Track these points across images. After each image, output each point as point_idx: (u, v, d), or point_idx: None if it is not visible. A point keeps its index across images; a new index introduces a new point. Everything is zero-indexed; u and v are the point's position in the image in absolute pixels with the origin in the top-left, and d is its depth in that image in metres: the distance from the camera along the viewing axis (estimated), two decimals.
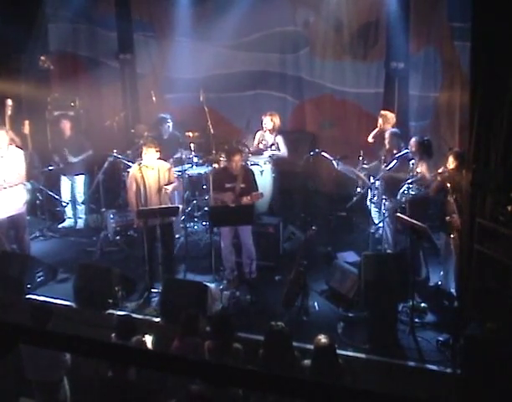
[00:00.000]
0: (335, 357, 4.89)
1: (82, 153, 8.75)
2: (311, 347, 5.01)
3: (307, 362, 4.90)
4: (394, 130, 7.61)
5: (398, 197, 6.96)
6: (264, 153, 8.45)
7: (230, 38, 9.46)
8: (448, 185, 6.29)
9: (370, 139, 8.10)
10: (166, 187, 6.96)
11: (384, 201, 7.31)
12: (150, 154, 6.92)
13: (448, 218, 6.25)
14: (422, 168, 6.82)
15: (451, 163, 6.32)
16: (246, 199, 6.80)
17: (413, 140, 7.12)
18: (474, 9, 5.23)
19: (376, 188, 7.57)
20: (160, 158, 7.08)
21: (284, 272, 6.98)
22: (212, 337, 5.23)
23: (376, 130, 8.09)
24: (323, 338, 4.84)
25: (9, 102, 8.21)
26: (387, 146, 7.51)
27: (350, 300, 6.39)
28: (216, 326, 5.25)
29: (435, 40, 8.60)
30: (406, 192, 6.78)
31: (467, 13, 5.90)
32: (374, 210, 7.93)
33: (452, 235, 6.25)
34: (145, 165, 6.95)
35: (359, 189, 7.74)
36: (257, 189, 6.99)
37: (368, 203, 8.03)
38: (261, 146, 8.52)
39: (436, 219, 6.91)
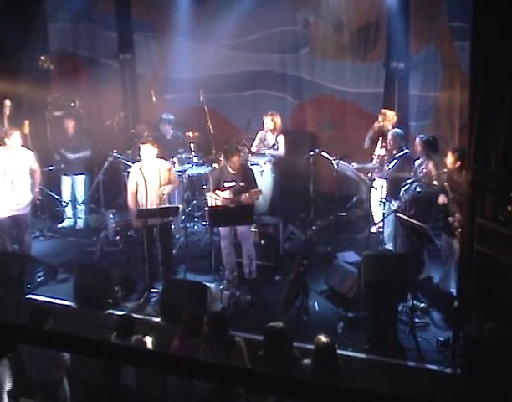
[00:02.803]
0: (336, 357, 4.89)
1: (81, 151, 8.78)
2: (311, 347, 5.01)
3: (307, 362, 4.90)
4: (397, 131, 7.51)
5: (401, 194, 6.85)
6: (265, 152, 8.44)
7: (230, 38, 9.46)
8: (446, 184, 6.27)
9: (366, 146, 8.03)
10: (163, 187, 6.94)
11: (385, 201, 7.28)
12: (147, 151, 6.87)
13: (450, 218, 6.23)
14: (429, 167, 6.73)
15: (451, 162, 6.29)
16: (244, 197, 6.78)
17: (417, 140, 7.01)
18: (474, 9, 5.22)
19: (376, 189, 7.56)
20: (160, 157, 7.08)
21: (284, 272, 6.97)
22: (209, 337, 5.20)
23: (372, 130, 8.03)
24: (323, 338, 4.84)
25: (7, 102, 8.22)
26: (389, 147, 7.48)
27: (350, 300, 6.39)
28: (212, 325, 5.21)
29: (435, 40, 8.60)
30: (410, 189, 6.71)
31: (467, 13, 5.89)
32: (374, 210, 7.92)
33: (455, 236, 6.23)
34: (145, 164, 6.94)
35: (359, 189, 7.73)
36: (256, 188, 6.96)
37: (368, 202, 8.02)
38: (262, 145, 8.51)
39: (438, 220, 6.90)
